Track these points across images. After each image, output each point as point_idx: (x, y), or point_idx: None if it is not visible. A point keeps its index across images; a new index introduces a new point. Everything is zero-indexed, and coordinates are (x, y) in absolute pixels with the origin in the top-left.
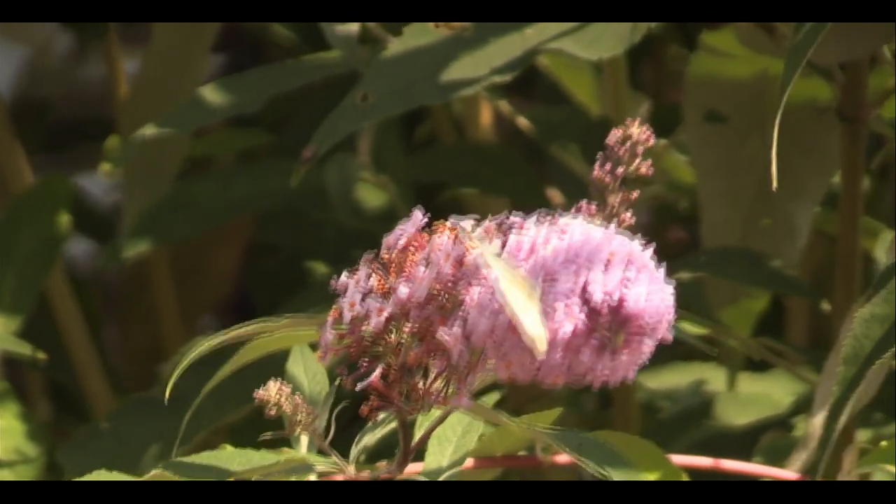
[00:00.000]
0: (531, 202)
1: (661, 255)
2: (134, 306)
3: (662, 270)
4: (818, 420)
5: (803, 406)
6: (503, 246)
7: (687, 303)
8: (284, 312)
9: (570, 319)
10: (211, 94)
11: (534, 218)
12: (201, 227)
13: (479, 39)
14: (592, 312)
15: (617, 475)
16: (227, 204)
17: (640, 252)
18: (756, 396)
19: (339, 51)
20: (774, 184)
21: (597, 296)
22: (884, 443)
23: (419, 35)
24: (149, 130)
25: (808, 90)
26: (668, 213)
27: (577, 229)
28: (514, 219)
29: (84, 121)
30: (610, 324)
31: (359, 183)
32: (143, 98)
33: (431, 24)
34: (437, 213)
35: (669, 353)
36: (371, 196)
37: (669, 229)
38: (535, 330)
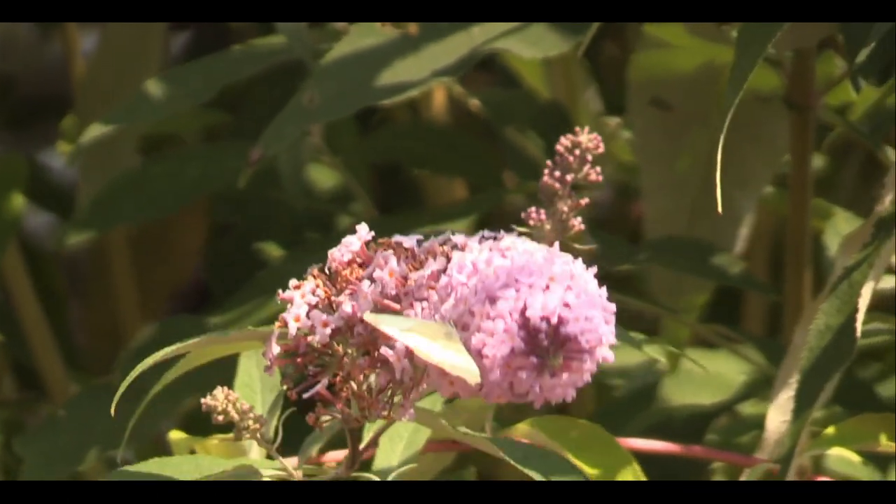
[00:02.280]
0: (485, 183)
1: (623, 232)
2: (97, 284)
3: (604, 291)
4: (774, 419)
5: (753, 388)
6: (446, 265)
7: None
8: (238, 296)
9: (509, 340)
10: (157, 87)
11: (477, 237)
12: (154, 209)
13: (425, 39)
14: (531, 333)
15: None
16: (181, 186)
17: (582, 273)
18: (707, 376)
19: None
20: (719, 176)
21: (535, 317)
22: (831, 429)
23: (365, 35)
24: (95, 131)
25: (754, 79)
26: (630, 189)
27: (519, 249)
28: (458, 238)
29: (48, 97)
30: (548, 345)
31: (312, 164)
32: (100, 77)
33: (378, 24)
34: (392, 194)
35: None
36: (325, 177)
37: (631, 205)
38: (461, 366)
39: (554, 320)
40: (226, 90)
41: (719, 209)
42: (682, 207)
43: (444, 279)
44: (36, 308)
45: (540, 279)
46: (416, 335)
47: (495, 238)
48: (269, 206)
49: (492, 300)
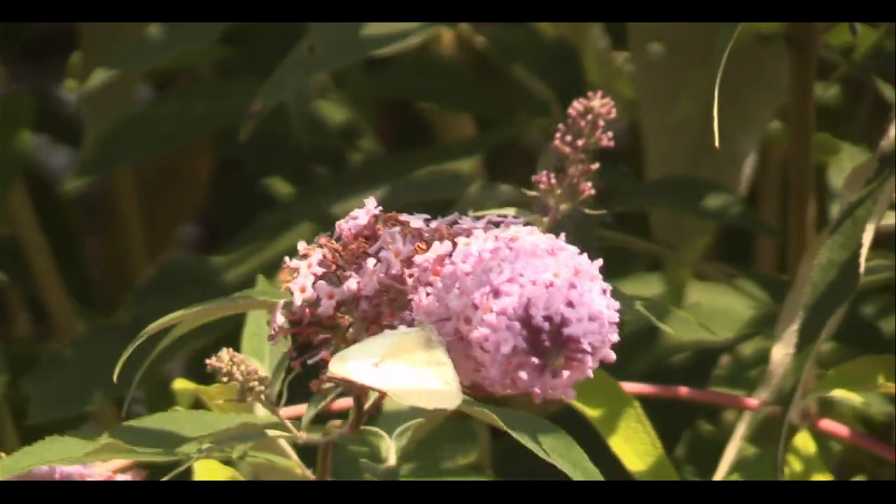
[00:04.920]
0: (493, 120)
1: (636, 168)
2: (107, 219)
3: (609, 288)
4: (779, 353)
5: (759, 325)
6: (450, 253)
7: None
8: (243, 235)
9: (510, 338)
10: (158, 31)
11: (482, 223)
12: (159, 148)
13: None
14: (533, 333)
15: (559, 455)
16: (187, 125)
17: (588, 268)
18: (712, 313)
19: None
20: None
21: (538, 317)
22: (832, 371)
23: None
24: (98, 76)
25: None
26: (637, 127)
27: (525, 241)
28: (464, 222)
29: (64, 30)
30: (550, 346)
31: (320, 100)
32: None
33: None
34: (401, 131)
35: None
36: (332, 113)
37: (639, 141)
38: (438, 393)
39: (557, 320)
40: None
41: (717, 144)
42: (683, 148)
43: (448, 267)
44: (42, 245)
45: (545, 274)
46: (390, 363)
47: (500, 224)
48: (277, 141)
49: (495, 293)
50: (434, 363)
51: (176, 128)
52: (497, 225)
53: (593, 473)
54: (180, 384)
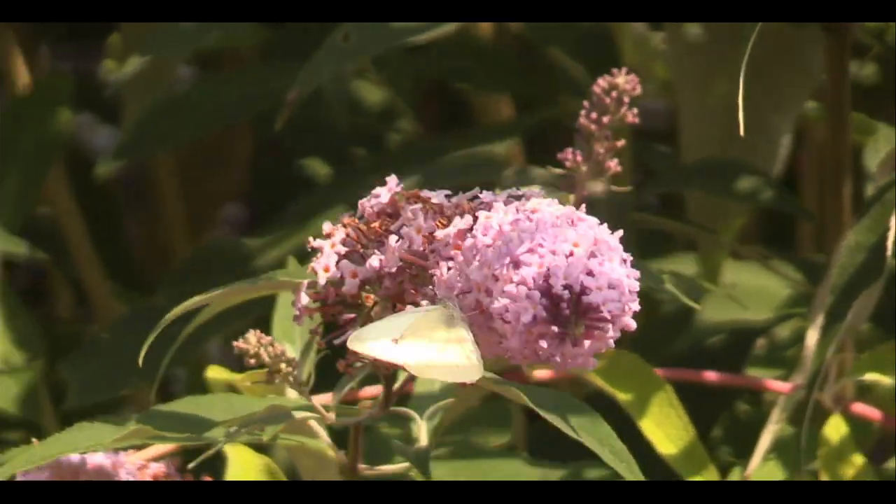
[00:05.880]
0: (530, 101)
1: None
2: (151, 198)
3: (629, 258)
4: (812, 337)
5: (796, 306)
6: (472, 224)
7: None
8: (280, 217)
9: (531, 307)
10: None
11: (503, 197)
12: (198, 131)
13: None
14: (553, 302)
15: (587, 433)
16: (225, 107)
17: (608, 238)
18: (749, 294)
19: None
20: (741, 98)
21: (558, 286)
22: (865, 355)
23: None
24: (132, 64)
25: None
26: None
27: (545, 211)
28: (485, 196)
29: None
30: (570, 314)
31: (358, 81)
32: None
33: None
34: (439, 112)
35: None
36: (371, 94)
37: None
38: (461, 368)
39: (577, 289)
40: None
41: (741, 132)
42: (719, 129)
43: (469, 240)
44: (80, 226)
45: (564, 244)
46: (410, 341)
47: (522, 198)
48: (316, 123)
49: (515, 264)
50: (455, 340)
51: (215, 110)
52: (518, 199)
53: (621, 451)
54: (213, 372)
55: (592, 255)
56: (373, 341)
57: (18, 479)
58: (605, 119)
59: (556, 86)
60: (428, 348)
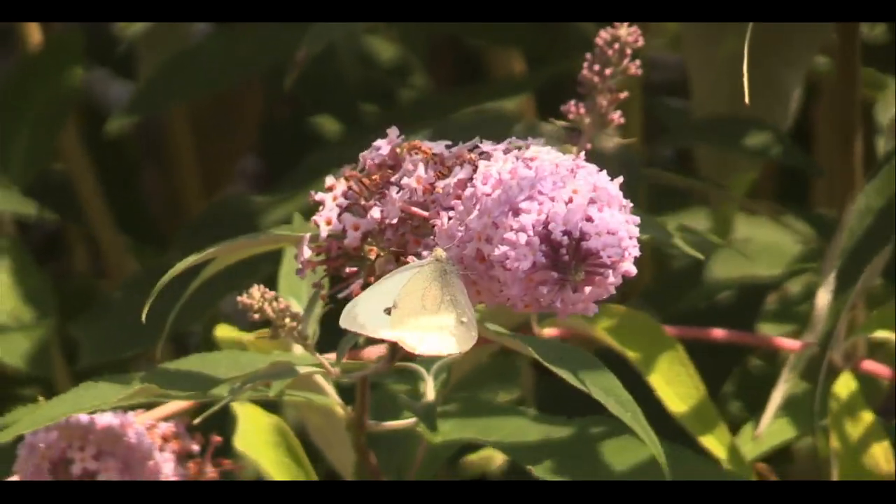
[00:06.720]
0: (540, 55)
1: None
2: (165, 153)
3: (629, 203)
4: (823, 296)
5: (807, 261)
6: (473, 174)
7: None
8: (291, 176)
9: (530, 254)
10: None
11: (503, 146)
12: (211, 86)
13: None
14: (553, 248)
15: (594, 384)
16: (237, 63)
17: (607, 186)
18: (760, 249)
19: None
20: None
21: (557, 231)
22: (874, 313)
23: None
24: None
25: None
26: None
27: (544, 159)
28: (486, 146)
29: None
30: (570, 260)
31: (369, 36)
32: None
33: None
34: (452, 67)
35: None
36: (382, 49)
37: None
38: (446, 345)
39: (576, 235)
40: None
41: (746, 100)
42: (728, 84)
43: (469, 189)
44: (94, 182)
45: (563, 191)
46: (401, 315)
47: (522, 147)
48: (327, 79)
49: (514, 212)
50: (448, 301)
51: (229, 65)
52: (519, 148)
53: (627, 401)
54: (222, 331)
55: (591, 201)
56: (364, 317)
57: (27, 440)
58: (608, 71)
59: (567, 41)
60: (418, 324)
